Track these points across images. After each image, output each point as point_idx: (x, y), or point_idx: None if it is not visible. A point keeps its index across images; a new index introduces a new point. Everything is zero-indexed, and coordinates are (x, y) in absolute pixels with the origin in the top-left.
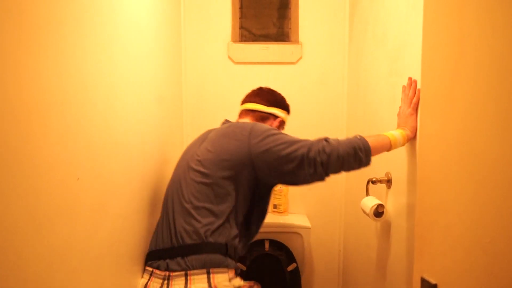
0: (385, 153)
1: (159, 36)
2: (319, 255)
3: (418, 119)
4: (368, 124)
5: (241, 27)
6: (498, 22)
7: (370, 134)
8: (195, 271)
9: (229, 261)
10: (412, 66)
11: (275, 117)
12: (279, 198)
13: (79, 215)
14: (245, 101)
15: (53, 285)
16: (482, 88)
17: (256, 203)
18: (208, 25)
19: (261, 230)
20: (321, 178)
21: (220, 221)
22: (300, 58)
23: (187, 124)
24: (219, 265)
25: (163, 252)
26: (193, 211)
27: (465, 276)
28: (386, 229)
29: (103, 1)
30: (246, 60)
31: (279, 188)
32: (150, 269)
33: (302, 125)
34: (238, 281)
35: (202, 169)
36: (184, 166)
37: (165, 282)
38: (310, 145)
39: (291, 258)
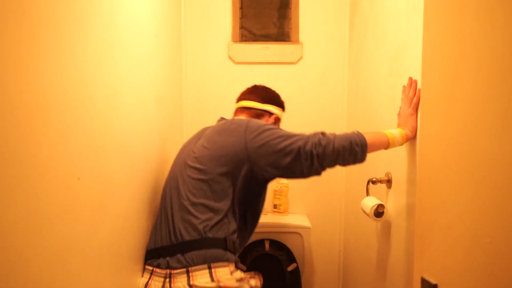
0: (386, 153)
1: (159, 36)
2: (319, 255)
3: (418, 119)
4: (368, 124)
5: (242, 27)
6: (498, 22)
7: None
8: (196, 267)
9: (229, 255)
10: (412, 66)
11: (270, 114)
12: (279, 198)
13: (79, 215)
14: (240, 99)
15: (53, 285)
16: (482, 88)
17: (253, 199)
18: (208, 25)
19: (261, 230)
20: (317, 171)
21: (218, 217)
22: (301, 58)
23: (187, 124)
24: (220, 260)
25: (163, 250)
26: (191, 208)
27: (465, 276)
28: (386, 229)
29: (103, 1)
30: (246, 60)
31: (279, 188)
32: (150, 268)
33: (302, 125)
34: (239, 273)
35: (198, 166)
36: (181, 163)
37: (167, 280)
38: (306, 138)
39: (291, 258)
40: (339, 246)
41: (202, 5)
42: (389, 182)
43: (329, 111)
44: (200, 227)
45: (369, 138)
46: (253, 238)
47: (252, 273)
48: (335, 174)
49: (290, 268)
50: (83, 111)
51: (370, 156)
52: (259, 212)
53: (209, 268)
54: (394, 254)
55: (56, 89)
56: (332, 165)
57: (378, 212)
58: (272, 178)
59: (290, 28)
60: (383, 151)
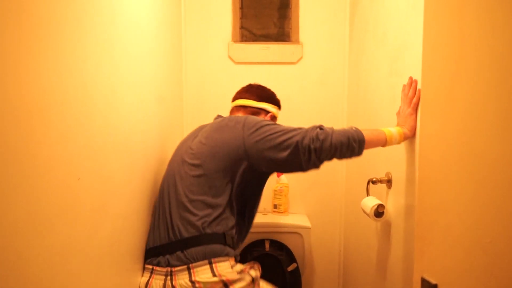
0: (386, 153)
1: (159, 36)
2: (319, 255)
3: (418, 119)
4: (368, 124)
5: (242, 27)
6: (498, 22)
7: None
8: (197, 263)
9: (229, 249)
10: (412, 66)
11: (267, 112)
12: (279, 198)
13: (79, 215)
14: (235, 97)
15: (53, 285)
16: (482, 88)
17: (251, 194)
18: (208, 25)
19: (261, 230)
20: (315, 165)
21: (217, 213)
22: (301, 58)
23: (187, 124)
24: (220, 255)
25: (162, 248)
26: (189, 205)
27: (465, 276)
28: (387, 229)
29: (103, 1)
30: (246, 60)
31: (279, 188)
32: (150, 266)
33: (302, 125)
34: (240, 266)
35: (196, 162)
36: (178, 160)
37: (168, 278)
38: (304, 132)
39: (291, 258)
40: (339, 246)
41: (202, 5)
42: (389, 182)
43: (329, 111)
44: (199, 223)
45: (367, 135)
46: (253, 238)
47: (251, 263)
48: (335, 174)
49: (290, 268)
50: (83, 111)
51: (370, 156)
52: (257, 207)
53: (210, 263)
54: (394, 254)
55: (56, 89)
56: (329, 159)
57: (378, 212)
58: (271, 172)
59: (290, 28)
60: (383, 151)
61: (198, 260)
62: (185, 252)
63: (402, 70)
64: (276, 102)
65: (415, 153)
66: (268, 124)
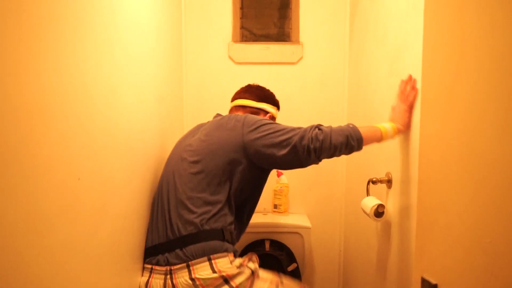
0: (386, 153)
1: (159, 36)
2: (319, 255)
3: (419, 119)
4: (368, 124)
5: (242, 27)
6: (498, 22)
7: None
8: (196, 261)
9: (227, 245)
10: (412, 66)
11: (266, 112)
12: (279, 198)
13: (79, 215)
14: (235, 97)
15: (53, 285)
16: (483, 88)
17: (250, 193)
18: (208, 25)
19: (262, 230)
20: (314, 163)
21: (215, 210)
22: (301, 58)
23: (187, 124)
24: (219, 251)
25: (161, 247)
26: (187, 202)
27: (465, 276)
28: (387, 229)
29: (103, 1)
30: (246, 60)
31: (279, 188)
32: (149, 266)
33: (303, 125)
34: (238, 260)
35: (195, 159)
36: (176, 158)
37: (168, 276)
38: (302, 132)
39: (291, 258)
40: (339, 246)
41: (203, 5)
42: (389, 182)
43: (329, 111)
44: (197, 220)
45: (364, 132)
46: (253, 238)
47: (249, 254)
48: (335, 174)
49: (290, 268)
50: (83, 111)
51: (370, 156)
52: (256, 205)
53: (209, 260)
54: (394, 254)
55: (56, 89)
56: (329, 157)
57: (378, 212)
58: (270, 169)
59: (291, 28)
60: (383, 151)
61: (197, 257)
62: (184, 250)
63: (402, 70)
64: (275, 103)
65: (415, 153)
66: (267, 123)
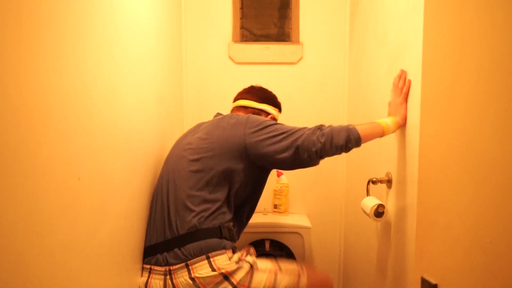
0: (386, 153)
1: (159, 36)
2: (319, 255)
3: (419, 119)
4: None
5: (242, 27)
6: (498, 22)
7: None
8: (195, 260)
9: (225, 242)
10: (412, 66)
11: (267, 113)
12: (279, 198)
13: (79, 215)
14: (237, 98)
15: (53, 285)
16: (483, 88)
17: (251, 193)
18: (208, 25)
19: (262, 230)
20: (316, 163)
21: (213, 208)
22: (301, 58)
23: (187, 124)
24: (217, 248)
25: (159, 246)
26: (186, 200)
27: (465, 276)
28: (387, 229)
29: (103, 1)
30: (247, 60)
31: (279, 188)
32: (148, 266)
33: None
34: (237, 255)
35: (195, 157)
36: (176, 157)
37: (168, 277)
38: (305, 135)
39: (291, 258)
40: (339, 246)
41: (203, 5)
42: (389, 182)
43: (329, 111)
44: (195, 219)
45: (364, 130)
46: (253, 238)
47: (246, 248)
48: (335, 174)
49: None
50: (83, 111)
51: (370, 156)
52: (256, 204)
53: (208, 258)
54: (394, 254)
55: (56, 89)
56: (329, 156)
57: (378, 212)
58: (271, 169)
59: (291, 28)
60: (383, 151)
61: (195, 256)
62: (182, 249)
63: None
64: (277, 105)
65: (415, 153)
66: (270, 124)
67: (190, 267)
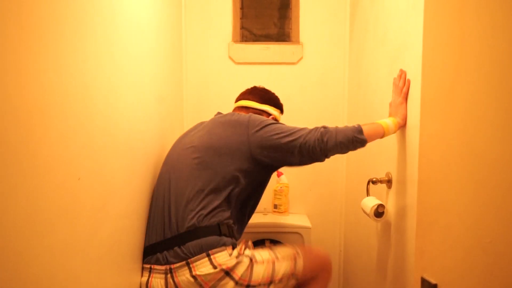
0: (386, 153)
1: (160, 36)
2: None
3: (419, 119)
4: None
5: (242, 27)
6: (498, 22)
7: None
8: (195, 258)
9: (225, 239)
10: (412, 66)
11: (268, 114)
12: (279, 198)
13: (79, 215)
14: (239, 98)
15: (53, 285)
16: (483, 88)
17: (251, 191)
18: (209, 25)
19: (262, 230)
20: (320, 160)
21: (213, 206)
22: (301, 58)
23: (187, 124)
24: (216, 246)
25: (159, 245)
26: (187, 199)
27: (465, 276)
28: (387, 229)
29: (103, 1)
30: (247, 60)
31: (279, 188)
32: (148, 265)
33: (303, 125)
34: (236, 251)
35: (196, 155)
36: (176, 156)
37: (169, 276)
38: (308, 133)
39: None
40: (339, 246)
41: (203, 5)
42: (389, 182)
43: (329, 111)
44: (195, 217)
45: (367, 130)
46: (253, 238)
47: (244, 242)
48: (335, 174)
49: None
50: (83, 111)
51: (370, 156)
52: (257, 203)
53: (208, 255)
54: (394, 254)
55: (56, 89)
56: (335, 154)
57: (378, 212)
58: (274, 169)
59: (291, 28)
60: (383, 151)
61: (196, 254)
62: (182, 247)
63: None
64: (278, 106)
65: (415, 153)
66: (272, 123)
67: (191, 265)
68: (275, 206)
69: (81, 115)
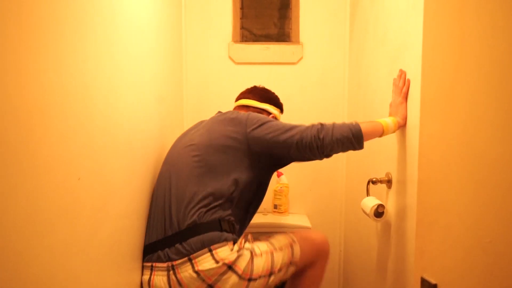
0: (386, 153)
1: (160, 36)
2: None
3: (419, 119)
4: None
5: (242, 27)
6: (498, 22)
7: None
8: (197, 253)
9: (226, 234)
10: (412, 66)
11: (268, 113)
12: (279, 199)
13: (80, 215)
14: (239, 97)
15: (53, 285)
16: (483, 88)
17: (252, 191)
18: (209, 25)
19: (262, 230)
20: (318, 158)
21: (214, 203)
22: (301, 58)
23: (187, 124)
24: (217, 241)
25: (160, 243)
26: (188, 197)
27: (465, 276)
28: (387, 229)
29: (103, 1)
30: (247, 60)
31: (279, 189)
32: (149, 264)
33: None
34: (237, 245)
35: (196, 153)
36: (177, 154)
37: (171, 272)
38: (305, 130)
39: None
40: (339, 246)
41: (203, 5)
42: (389, 182)
43: (329, 111)
44: (196, 214)
45: (365, 128)
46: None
47: (244, 236)
48: (335, 174)
49: None
50: (83, 111)
51: (370, 156)
52: (260, 203)
53: (210, 251)
54: (394, 254)
55: (56, 89)
56: (331, 153)
57: (378, 212)
58: (274, 168)
59: (291, 29)
60: (383, 151)
61: (197, 250)
62: (183, 244)
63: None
64: (278, 105)
65: (415, 153)
66: (270, 121)
67: (193, 261)
68: (275, 206)
69: (81, 115)
